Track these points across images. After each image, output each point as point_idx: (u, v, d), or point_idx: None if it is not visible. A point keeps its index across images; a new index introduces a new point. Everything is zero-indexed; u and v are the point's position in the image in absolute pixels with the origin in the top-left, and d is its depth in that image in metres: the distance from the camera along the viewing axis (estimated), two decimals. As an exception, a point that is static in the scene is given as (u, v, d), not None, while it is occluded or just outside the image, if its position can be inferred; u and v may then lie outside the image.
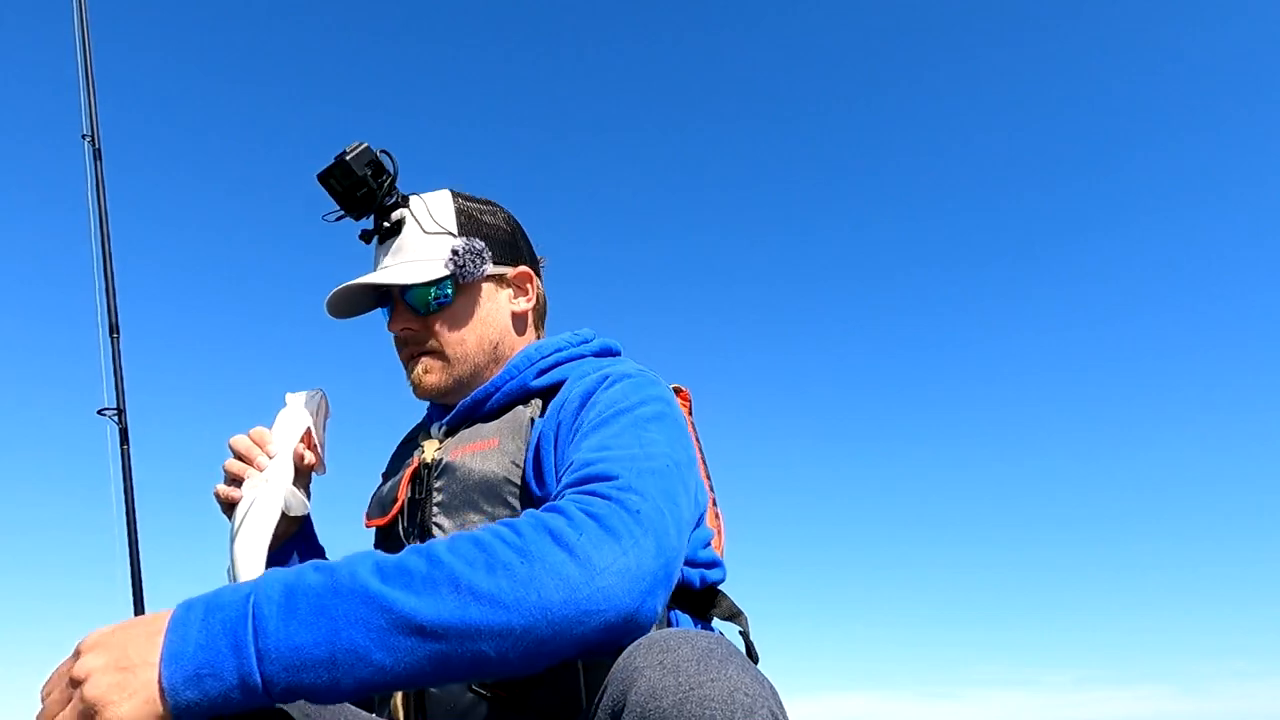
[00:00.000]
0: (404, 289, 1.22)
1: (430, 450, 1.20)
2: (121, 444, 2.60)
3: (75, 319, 2.82)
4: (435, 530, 1.12)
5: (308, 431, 1.15)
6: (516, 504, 1.08)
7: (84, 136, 2.82)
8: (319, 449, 1.16)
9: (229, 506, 1.14)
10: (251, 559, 1.04)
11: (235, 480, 1.14)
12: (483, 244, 1.24)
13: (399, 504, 1.18)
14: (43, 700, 0.72)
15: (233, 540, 1.06)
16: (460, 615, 0.71)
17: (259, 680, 0.68)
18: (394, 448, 1.38)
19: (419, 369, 1.24)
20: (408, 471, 1.20)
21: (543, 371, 1.21)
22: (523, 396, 1.20)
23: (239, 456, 1.15)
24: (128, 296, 2.70)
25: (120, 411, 2.61)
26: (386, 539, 1.20)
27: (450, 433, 1.22)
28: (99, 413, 2.60)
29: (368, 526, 1.25)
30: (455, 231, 1.25)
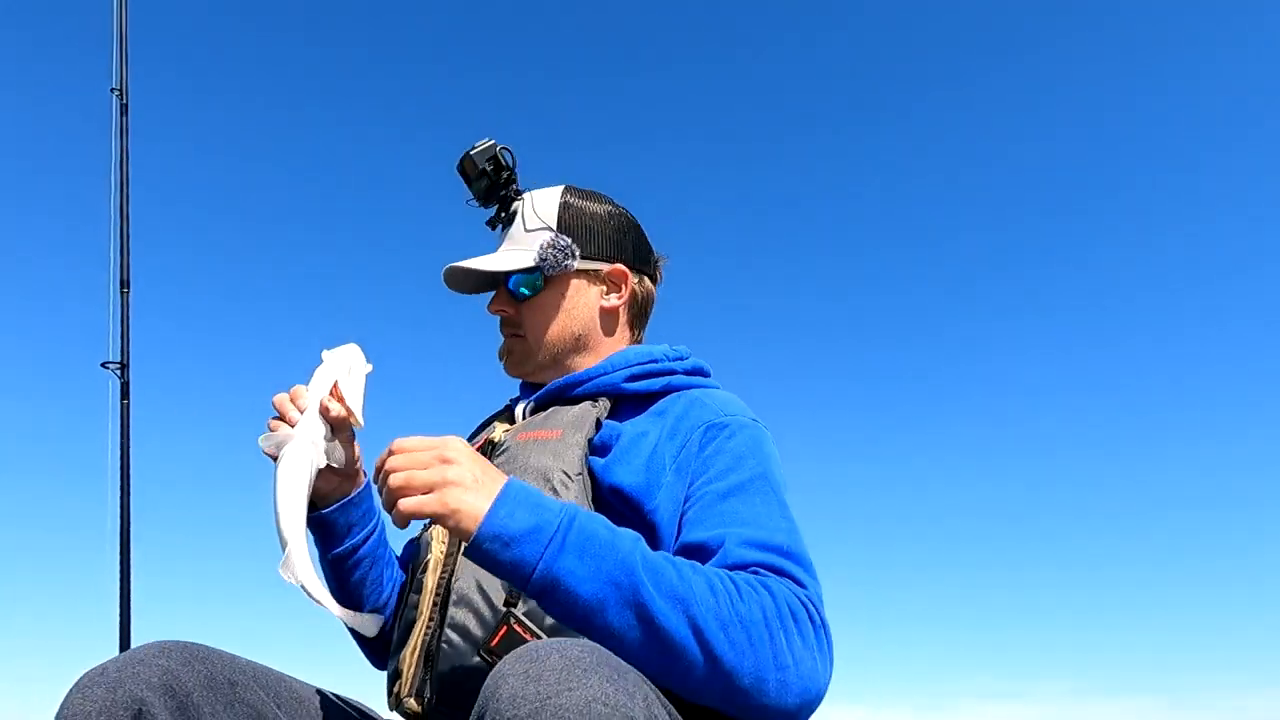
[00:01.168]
0: (505, 275, 1.33)
1: (499, 430, 1.27)
2: (122, 398, 2.63)
3: (87, 271, 2.85)
4: None
5: (335, 385, 1.18)
6: (563, 490, 1.08)
7: (113, 90, 2.85)
8: (347, 401, 1.17)
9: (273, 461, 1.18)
10: (289, 509, 1.08)
11: (274, 436, 1.17)
12: (570, 240, 1.31)
13: None
14: (397, 451, 0.92)
15: (273, 493, 1.10)
16: (681, 631, 0.84)
17: (530, 574, 0.85)
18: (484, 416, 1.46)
19: (504, 349, 1.36)
20: (474, 447, 1.22)
21: (634, 378, 1.25)
22: (610, 393, 1.24)
23: (279, 413, 1.17)
24: (141, 253, 2.73)
25: (124, 366, 2.65)
26: None
27: (536, 410, 1.30)
28: (102, 365, 2.63)
29: None
30: (554, 226, 1.32)
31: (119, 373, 2.63)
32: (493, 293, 1.37)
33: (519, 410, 1.31)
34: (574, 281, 1.32)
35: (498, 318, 1.37)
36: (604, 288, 1.34)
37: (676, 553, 1.02)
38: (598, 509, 1.07)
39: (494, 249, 1.39)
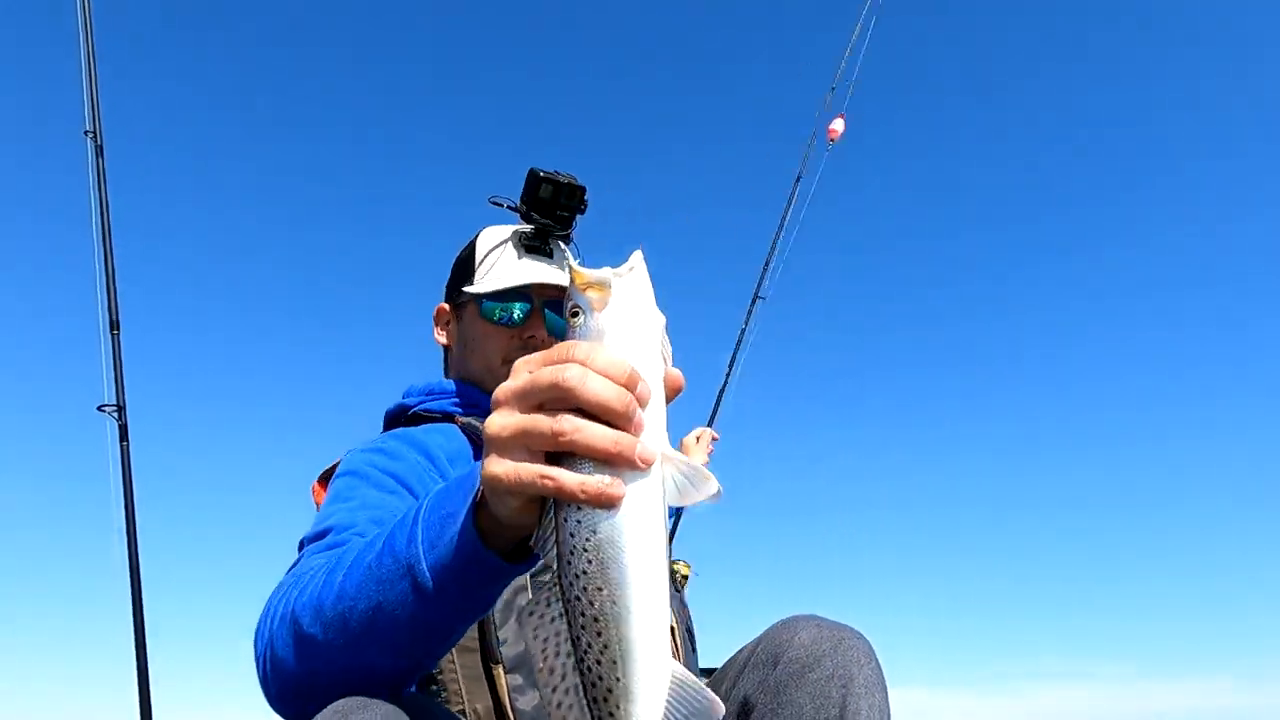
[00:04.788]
0: (552, 303, 1.43)
1: None
2: (121, 440, 2.62)
3: (77, 315, 2.83)
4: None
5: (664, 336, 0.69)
6: None
7: (86, 133, 2.84)
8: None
9: (548, 508, 0.66)
10: (661, 611, 0.64)
11: (569, 455, 0.65)
12: None
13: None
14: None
15: (623, 576, 0.62)
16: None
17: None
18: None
19: None
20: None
21: None
22: None
23: (600, 412, 0.63)
24: (129, 293, 2.71)
25: (120, 408, 2.63)
26: None
27: None
28: (99, 409, 2.61)
29: None
30: None
31: (116, 415, 2.61)
32: (517, 309, 1.43)
33: None
34: None
35: (523, 338, 1.41)
36: None
37: None
38: None
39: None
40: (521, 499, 0.65)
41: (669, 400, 0.68)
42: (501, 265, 1.46)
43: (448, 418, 1.42)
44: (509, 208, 1.47)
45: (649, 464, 0.62)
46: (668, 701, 0.62)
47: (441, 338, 1.57)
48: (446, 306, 1.56)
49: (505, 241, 1.48)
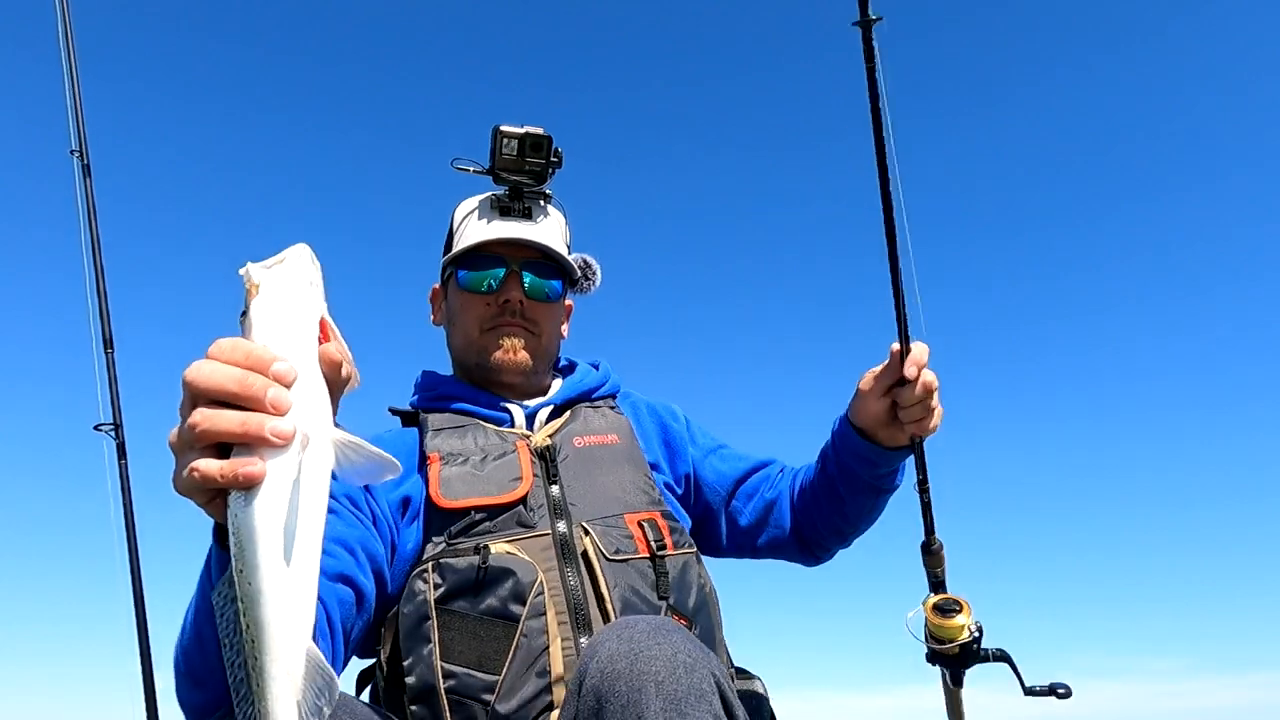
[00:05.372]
0: (531, 264, 1.37)
1: (540, 435, 1.30)
2: (119, 459, 2.58)
3: (70, 333, 2.81)
4: (573, 509, 1.21)
5: (324, 322, 0.70)
6: (649, 489, 1.30)
7: (72, 152, 2.81)
8: (344, 345, 0.71)
9: (217, 496, 0.65)
10: (298, 592, 0.64)
11: (220, 446, 0.64)
12: (598, 268, 1.47)
13: (529, 481, 1.22)
14: None
15: (255, 559, 0.62)
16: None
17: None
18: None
19: (514, 341, 1.37)
20: (524, 453, 1.26)
21: (616, 385, 1.50)
22: (609, 398, 1.45)
23: (222, 396, 0.63)
24: (122, 309, 2.68)
25: (117, 426, 2.58)
26: (489, 518, 1.18)
27: (554, 415, 1.37)
28: (95, 428, 2.58)
29: (453, 506, 1.18)
30: (569, 249, 1.47)
31: (113, 433, 2.59)
32: (501, 273, 1.36)
33: (541, 416, 1.35)
34: (565, 305, 1.49)
35: (499, 304, 1.36)
36: (563, 318, 1.50)
37: (751, 471, 1.51)
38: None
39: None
40: (202, 497, 0.65)
41: (343, 385, 0.71)
42: (472, 229, 1.39)
43: (415, 413, 1.36)
44: (475, 171, 1.41)
45: (285, 439, 0.62)
46: (304, 684, 0.63)
47: (438, 319, 1.52)
48: (438, 287, 1.51)
49: (478, 206, 1.42)
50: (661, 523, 1.24)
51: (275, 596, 0.62)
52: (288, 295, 0.68)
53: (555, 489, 1.23)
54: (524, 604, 1.08)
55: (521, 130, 1.34)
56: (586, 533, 1.17)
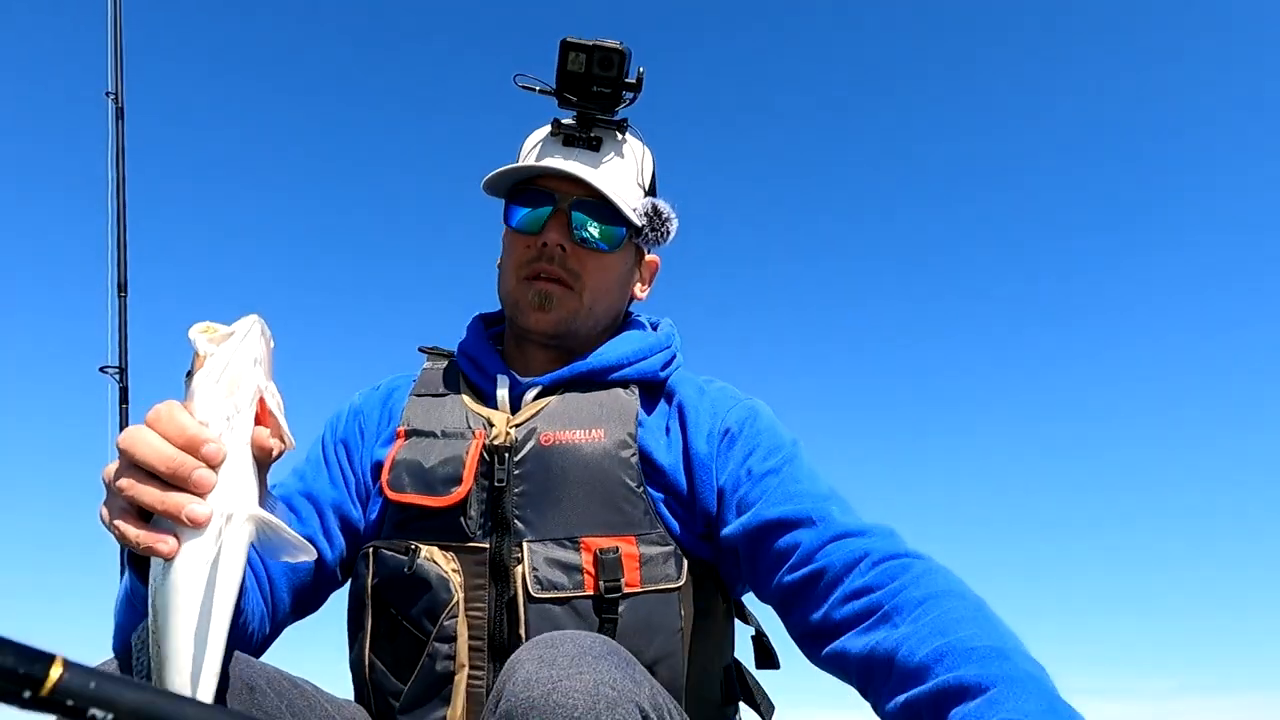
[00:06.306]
0: (584, 204, 1.13)
1: (502, 425, 1.08)
2: (121, 403, 2.62)
3: (85, 276, 2.84)
4: (519, 524, 1.03)
5: (261, 401, 0.73)
6: (627, 507, 1.04)
7: (108, 94, 2.84)
8: (281, 418, 0.74)
9: (139, 559, 0.76)
10: (205, 658, 0.69)
11: (147, 512, 0.70)
12: (669, 218, 1.18)
13: (466, 486, 1.04)
14: None
15: (168, 625, 0.68)
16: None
17: None
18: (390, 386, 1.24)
19: (547, 294, 1.13)
20: (474, 449, 1.06)
21: (667, 364, 1.18)
22: (639, 381, 1.15)
23: (156, 473, 0.68)
24: (138, 257, 2.72)
25: (122, 370, 2.64)
26: (428, 518, 1.06)
27: (543, 395, 1.12)
28: (101, 369, 2.62)
29: (396, 500, 1.07)
30: (650, 193, 1.21)
31: (118, 377, 2.62)
32: (528, 212, 1.14)
33: (528, 396, 1.12)
34: (634, 258, 1.23)
35: (538, 246, 1.13)
36: (639, 275, 1.25)
37: (775, 522, 1.00)
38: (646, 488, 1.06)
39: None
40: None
41: (269, 460, 0.74)
42: (527, 159, 1.20)
43: (447, 354, 1.25)
44: (540, 91, 1.18)
45: (200, 523, 0.67)
46: None
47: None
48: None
49: (545, 136, 1.20)
50: (631, 552, 1.01)
51: (184, 663, 0.68)
52: (230, 374, 0.71)
53: (502, 497, 1.04)
54: (435, 624, 1.00)
55: (591, 43, 1.13)
56: (520, 560, 1.00)
